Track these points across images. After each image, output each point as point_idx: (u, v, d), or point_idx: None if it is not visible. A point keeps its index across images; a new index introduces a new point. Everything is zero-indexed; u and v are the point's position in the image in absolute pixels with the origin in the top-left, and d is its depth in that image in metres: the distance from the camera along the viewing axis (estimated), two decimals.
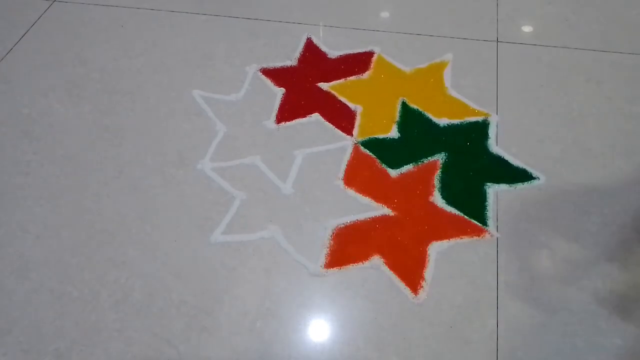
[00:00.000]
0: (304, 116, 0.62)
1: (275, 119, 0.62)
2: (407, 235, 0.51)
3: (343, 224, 0.52)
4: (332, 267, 0.49)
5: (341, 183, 0.56)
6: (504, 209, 0.53)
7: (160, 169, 0.57)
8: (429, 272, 0.49)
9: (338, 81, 0.64)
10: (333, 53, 0.66)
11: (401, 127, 0.61)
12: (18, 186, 0.56)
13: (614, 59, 0.63)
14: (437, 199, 0.54)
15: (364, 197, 0.54)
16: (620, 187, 0.55)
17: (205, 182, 0.56)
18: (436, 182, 0.56)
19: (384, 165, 0.57)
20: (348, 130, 0.61)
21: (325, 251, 0.50)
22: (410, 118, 0.62)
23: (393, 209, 0.54)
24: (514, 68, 0.66)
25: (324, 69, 0.65)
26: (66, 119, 0.62)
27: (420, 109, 0.63)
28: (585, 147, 0.58)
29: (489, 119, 0.61)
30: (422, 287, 0.48)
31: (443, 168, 0.57)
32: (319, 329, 0.46)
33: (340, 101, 0.63)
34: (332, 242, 0.51)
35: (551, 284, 0.48)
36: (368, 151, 0.59)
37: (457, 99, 0.64)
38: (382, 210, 0.53)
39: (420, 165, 0.57)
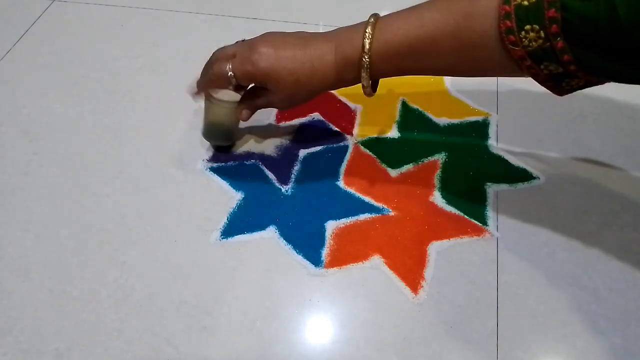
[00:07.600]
0: (304, 116, 0.62)
1: (275, 118, 0.62)
2: (407, 235, 0.51)
3: (343, 223, 0.52)
4: (332, 267, 0.49)
5: (341, 182, 0.56)
6: (504, 209, 0.53)
7: (160, 169, 0.57)
8: (429, 272, 0.49)
9: None
10: None
11: (401, 126, 0.61)
12: (18, 186, 0.56)
13: None
14: (437, 198, 0.54)
15: (364, 196, 0.54)
16: (620, 187, 0.55)
17: (205, 182, 0.56)
18: (436, 181, 0.56)
19: (384, 165, 0.57)
20: (348, 130, 0.61)
21: (325, 251, 0.50)
22: (410, 118, 0.62)
23: (393, 208, 0.54)
24: None
25: None
26: (66, 119, 0.62)
27: (420, 109, 0.63)
28: (585, 147, 0.58)
29: (489, 118, 0.61)
30: (422, 287, 0.48)
31: (443, 168, 0.57)
32: (318, 329, 0.46)
33: (340, 100, 0.63)
34: (332, 241, 0.51)
35: (551, 284, 0.48)
36: (368, 151, 0.59)
37: (457, 99, 0.64)
38: (382, 210, 0.53)
39: (420, 165, 0.57)
